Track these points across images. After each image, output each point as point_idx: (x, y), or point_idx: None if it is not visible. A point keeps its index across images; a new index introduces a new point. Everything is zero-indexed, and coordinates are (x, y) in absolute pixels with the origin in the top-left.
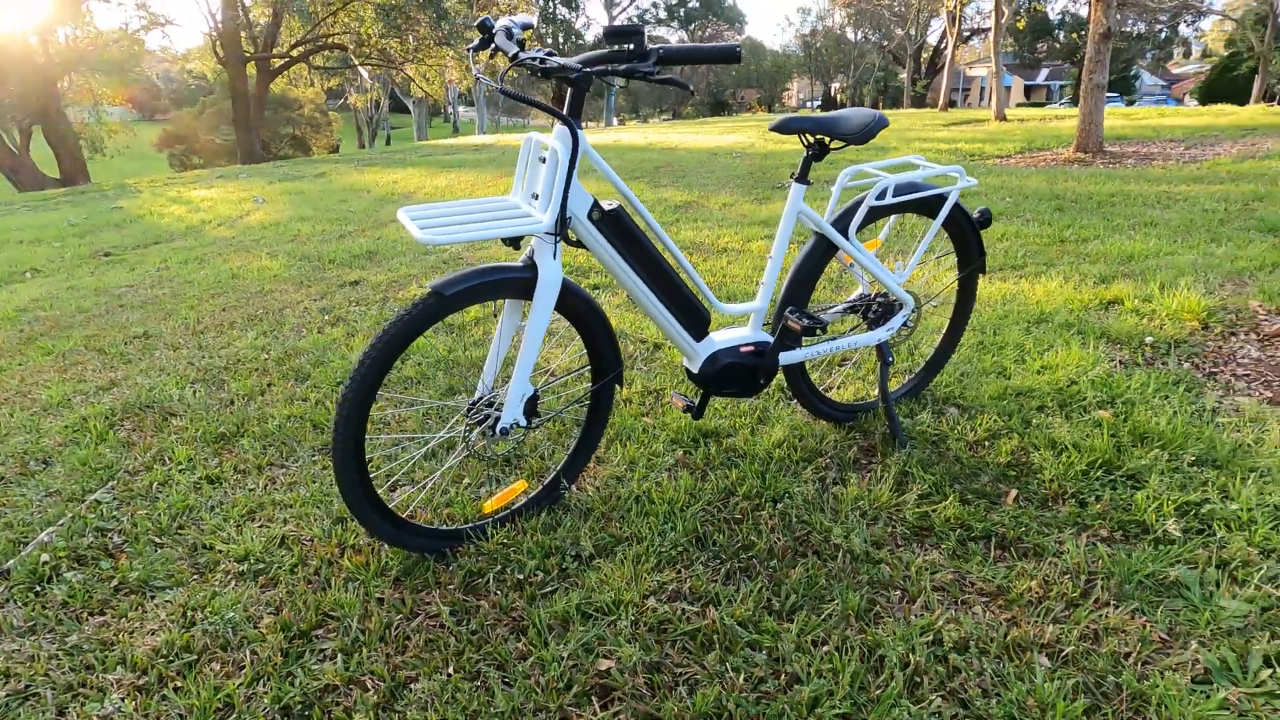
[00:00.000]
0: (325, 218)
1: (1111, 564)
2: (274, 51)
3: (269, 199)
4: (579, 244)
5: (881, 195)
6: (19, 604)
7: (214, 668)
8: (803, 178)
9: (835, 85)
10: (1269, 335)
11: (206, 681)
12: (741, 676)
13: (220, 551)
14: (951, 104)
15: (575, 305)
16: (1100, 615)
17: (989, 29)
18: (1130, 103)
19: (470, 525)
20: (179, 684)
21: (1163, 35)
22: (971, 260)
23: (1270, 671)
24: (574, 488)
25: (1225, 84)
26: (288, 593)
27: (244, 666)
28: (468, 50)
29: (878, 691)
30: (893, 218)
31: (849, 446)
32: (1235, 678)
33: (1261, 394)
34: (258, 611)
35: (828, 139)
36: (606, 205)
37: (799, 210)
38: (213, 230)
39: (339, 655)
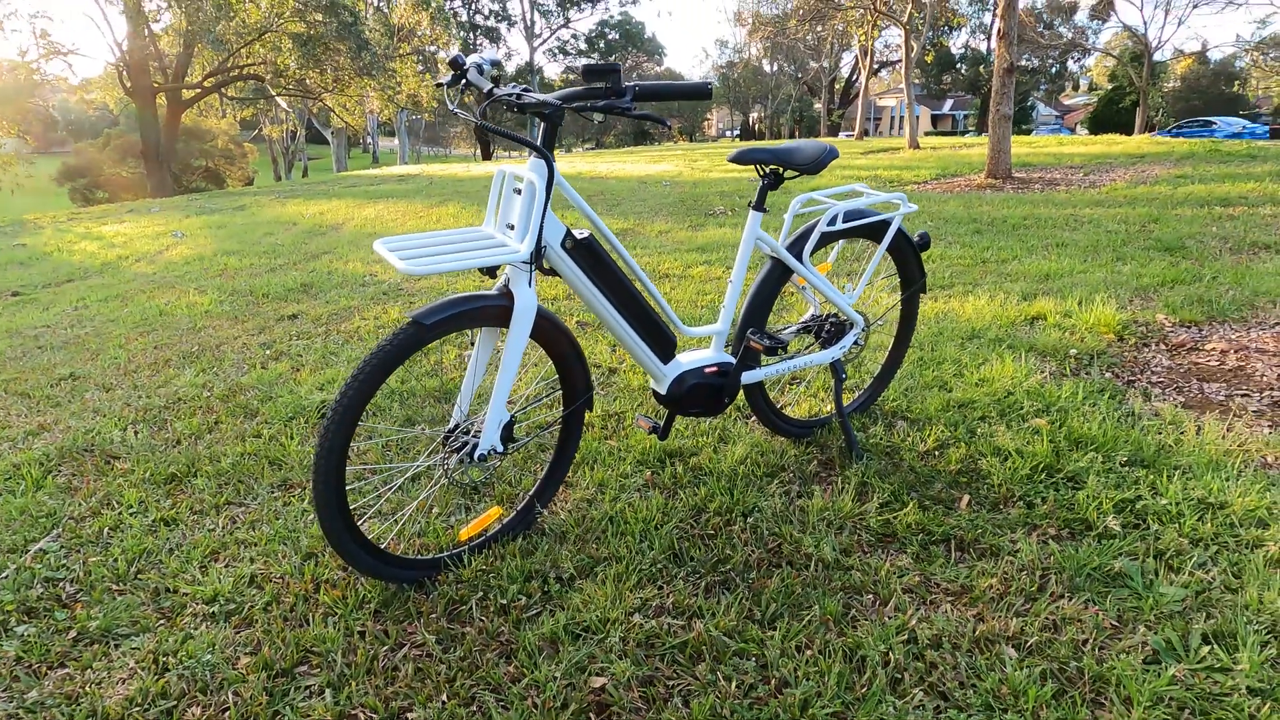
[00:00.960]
0: (252, 251)
1: (1062, 559)
2: (185, 82)
3: (188, 233)
4: (552, 272)
5: (833, 221)
6: None
7: (194, 713)
8: (759, 205)
9: (753, 115)
10: (1176, 345)
11: None
12: (733, 684)
13: (186, 594)
14: (865, 133)
15: (548, 331)
16: (1057, 607)
17: (897, 61)
18: (1028, 132)
19: (447, 553)
20: None
21: (1054, 70)
22: (914, 281)
23: (1209, 648)
24: (546, 511)
25: (1111, 114)
26: (264, 632)
27: (227, 709)
28: (438, 85)
29: (863, 690)
30: (841, 242)
31: (809, 461)
32: (1179, 655)
33: (1175, 399)
34: (234, 653)
35: (782, 169)
36: (579, 234)
37: (757, 236)
38: (131, 266)
39: (327, 691)
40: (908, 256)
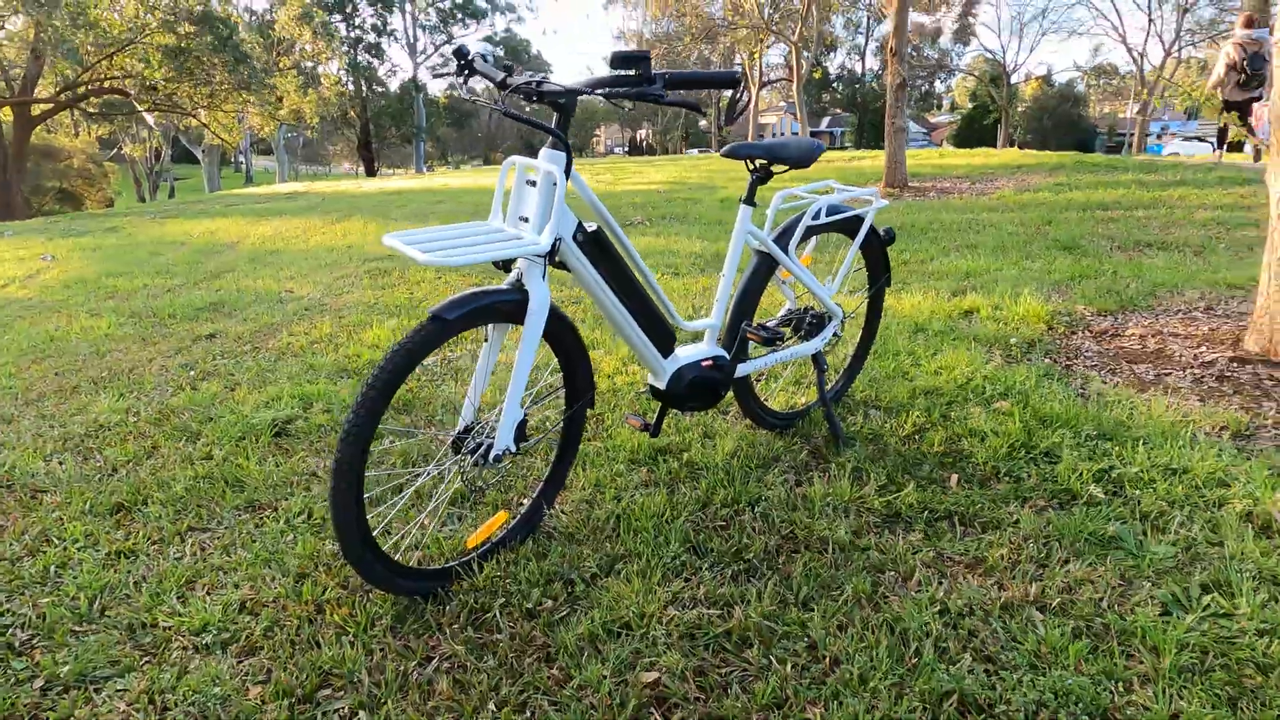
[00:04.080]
0: (142, 272)
1: (1060, 527)
2: (35, 96)
3: (59, 256)
4: (562, 265)
5: (817, 215)
6: None
7: None
8: (749, 200)
9: (642, 132)
10: (1100, 332)
11: None
12: (788, 666)
13: (168, 627)
14: None
15: (557, 329)
16: (1066, 571)
17: (780, 80)
18: None
19: (456, 562)
20: None
21: (923, 89)
22: (880, 274)
23: (1210, 597)
24: (550, 512)
25: (974, 131)
26: (272, 658)
27: None
28: (443, 75)
29: (913, 661)
30: (816, 236)
31: (798, 451)
32: (1186, 606)
33: (1112, 380)
34: (243, 683)
35: (771, 164)
36: (588, 226)
37: (748, 230)
38: None
39: (360, 712)
40: (876, 251)
